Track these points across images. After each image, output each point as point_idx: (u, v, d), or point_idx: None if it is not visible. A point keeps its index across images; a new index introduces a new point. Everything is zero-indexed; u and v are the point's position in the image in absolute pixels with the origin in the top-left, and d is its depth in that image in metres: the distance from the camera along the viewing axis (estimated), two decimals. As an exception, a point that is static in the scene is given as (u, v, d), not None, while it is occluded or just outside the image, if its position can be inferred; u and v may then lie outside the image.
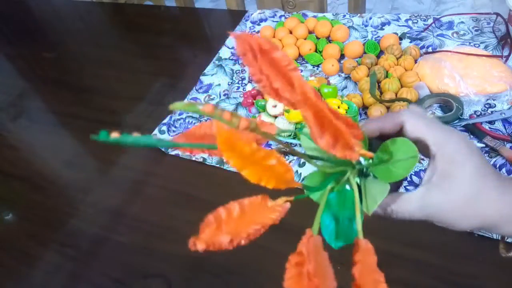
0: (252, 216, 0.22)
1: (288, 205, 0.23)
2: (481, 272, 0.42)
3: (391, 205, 0.25)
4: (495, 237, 0.43)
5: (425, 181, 0.24)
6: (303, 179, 0.53)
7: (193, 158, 0.60)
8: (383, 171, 0.24)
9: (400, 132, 0.25)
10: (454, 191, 0.23)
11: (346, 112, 0.56)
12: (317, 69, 0.69)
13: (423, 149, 0.24)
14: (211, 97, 0.69)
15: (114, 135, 0.18)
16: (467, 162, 0.23)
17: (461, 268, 0.42)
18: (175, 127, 0.65)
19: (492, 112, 0.55)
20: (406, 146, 0.23)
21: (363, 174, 0.26)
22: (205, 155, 0.60)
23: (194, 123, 0.65)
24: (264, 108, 0.61)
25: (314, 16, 0.77)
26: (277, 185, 0.21)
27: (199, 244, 0.20)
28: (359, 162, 0.25)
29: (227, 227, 0.20)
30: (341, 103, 0.56)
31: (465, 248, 0.44)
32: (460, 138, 0.24)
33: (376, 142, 0.26)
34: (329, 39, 0.73)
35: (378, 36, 0.71)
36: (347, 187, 0.25)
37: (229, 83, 0.71)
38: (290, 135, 0.57)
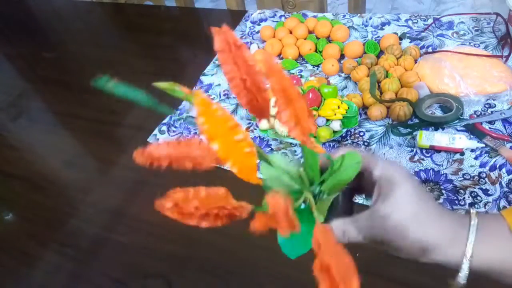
0: (217, 203, 0.23)
1: (249, 207, 0.25)
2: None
3: (343, 227, 0.27)
4: None
5: (371, 204, 0.27)
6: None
7: (193, 158, 0.60)
8: (333, 182, 0.28)
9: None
10: (395, 209, 0.25)
11: (346, 112, 0.56)
12: (317, 69, 0.69)
13: (370, 179, 0.27)
14: (211, 97, 0.69)
15: (110, 83, 0.20)
16: (404, 182, 0.26)
17: (461, 268, 0.42)
18: (175, 127, 0.65)
19: (492, 112, 0.55)
20: (352, 155, 0.27)
21: (317, 195, 0.29)
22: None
23: (194, 123, 0.65)
24: (264, 108, 0.61)
25: (314, 16, 0.77)
26: (241, 171, 0.23)
27: (167, 202, 0.21)
28: (313, 184, 0.28)
29: (193, 200, 0.22)
30: (341, 103, 0.56)
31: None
32: (400, 167, 0.27)
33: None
34: (329, 39, 0.73)
35: (378, 36, 0.71)
36: (302, 205, 0.28)
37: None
38: (289, 135, 0.57)
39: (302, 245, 0.26)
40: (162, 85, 0.20)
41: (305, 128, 0.22)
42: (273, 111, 0.65)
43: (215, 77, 0.72)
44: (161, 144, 0.22)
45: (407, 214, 0.25)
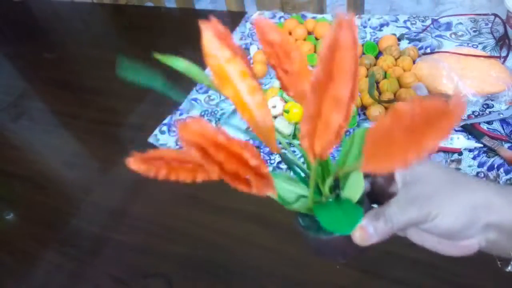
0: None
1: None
2: (481, 272, 0.42)
3: (381, 216, 0.24)
4: None
5: (399, 189, 0.25)
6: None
7: (194, 158, 0.60)
8: (347, 160, 0.25)
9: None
10: (430, 178, 0.24)
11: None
12: (317, 69, 0.69)
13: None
14: (211, 98, 0.70)
15: (130, 69, 0.19)
16: (428, 163, 0.24)
17: (461, 268, 0.43)
18: (176, 127, 0.66)
19: (490, 112, 0.55)
20: (361, 131, 0.25)
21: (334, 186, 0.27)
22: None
23: (194, 123, 0.66)
24: (264, 109, 0.61)
25: (313, 17, 0.78)
26: (258, 130, 0.20)
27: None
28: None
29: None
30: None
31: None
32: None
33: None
34: (328, 40, 0.73)
35: (377, 37, 0.71)
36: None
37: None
38: (289, 135, 0.57)
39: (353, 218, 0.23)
40: (163, 58, 0.20)
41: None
42: (272, 111, 0.65)
43: (215, 77, 0.73)
44: (160, 151, 0.21)
45: (446, 178, 0.23)
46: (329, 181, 0.24)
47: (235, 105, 0.20)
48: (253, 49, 0.75)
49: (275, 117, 0.60)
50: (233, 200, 0.54)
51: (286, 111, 0.57)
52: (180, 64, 0.21)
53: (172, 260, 0.50)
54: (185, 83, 0.74)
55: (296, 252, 0.47)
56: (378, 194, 0.28)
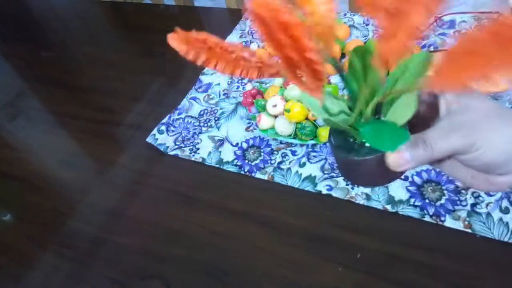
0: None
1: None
2: (481, 272, 0.42)
3: (420, 141, 0.23)
4: (496, 238, 0.43)
5: (443, 117, 0.23)
6: (304, 178, 0.53)
7: (192, 158, 0.60)
8: (399, 83, 0.23)
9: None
10: (476, 105, 0.22)
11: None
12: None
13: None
14: (211, 97, 0.69)
15: None
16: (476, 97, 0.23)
17: (461, 268, 0.42)
18: (174, 127, 0.65)
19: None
20: (418, 55, 0.23)
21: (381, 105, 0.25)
22: (205, 156, 0.59)
23: (194, 123, 0.65)
24: (264, 108, 0.60)
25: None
26: (318, 30, 0.18)
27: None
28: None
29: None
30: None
31: (465, 248, 0.43)
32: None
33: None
34: (329, 38, 0.72)
35: (379, 35, 0.70)
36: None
37: (229, 83, 0.70)
38: (290, 135, 0.57)
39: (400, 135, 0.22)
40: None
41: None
42: (272, 110, 0.65)
43: (214, 76, 0.72)
44: (203, 33, 0.19)
45: (495, 112, 0.22)
46: (375, 100, 0.23)
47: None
48: (253, 47, 0.74)
49: (275, 116, 0.59)
50: (232, 201, 0.53)
51: (287, 110, 0.56)
52: None
53: (170, 262, 0.49)
54: (185, 83, 0.73)
55: (296, 254, 0.47)
56: (418, 125, 0.26)
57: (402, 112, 0.23)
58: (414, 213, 0.47)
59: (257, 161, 0.56)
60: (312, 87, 0.18)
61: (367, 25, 0.73)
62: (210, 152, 0.60)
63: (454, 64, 0.16)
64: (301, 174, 0.54)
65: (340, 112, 0.25)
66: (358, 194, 0.49)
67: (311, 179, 0.53)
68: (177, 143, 0.62)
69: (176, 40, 0.18)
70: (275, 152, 0.57)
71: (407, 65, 0.23)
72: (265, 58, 0.19)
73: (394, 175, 0.26)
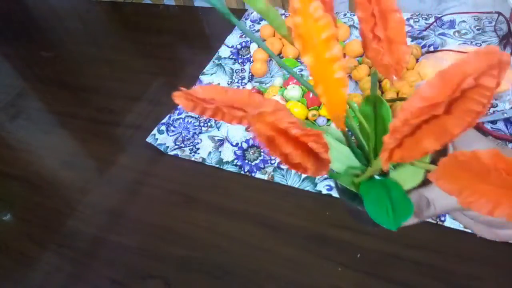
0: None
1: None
2: (481, 272, 0.42)
3: (423, 199, 0.23)
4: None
5: None
6: (304, 178, 0.53)
7: (192, 158, 0.60)
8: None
9: None
10: None
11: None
12: (318, 68, 0.68)
13: None
14: (211, 97, 0.69)
15: None
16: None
17: (461, 268, 0.42)
18: (174, 127, 0.65)
19: (493, 111, 0.54)
20: None
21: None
22: (205, 156, 0.59)
23: (194, 123, 0.65)
24: (264, 108, 0.60)
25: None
26: (330, 103, 0.18)
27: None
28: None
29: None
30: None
31: (465, 248, 0.43)
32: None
33: None
34: (329, 38, 0.72)
35: (379, 35, 0.70)
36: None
37: (229, 83, 0.70)
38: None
39: (403, 211, 0.21)
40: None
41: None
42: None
43: (214, 76, 0.72)
44: (206, 87, 0.19)
45: None
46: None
47: (311, 68, 0.17)
48: (253, 47, 0.74)
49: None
50: (232, 201, 0.53)
51: (287, 111, 0.56)
52: (259, 4, 0.19)
53: (170, 262, 0.49)
54: (185, 83, 0.73)
55: (296, 254, 0.47)
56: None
57: (411, 174, 0.23)
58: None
59: (257, 161, 0.57)
60: (319, 171, 0.18)
61: (367, 25, 0.73)
62: (210, 152, 0.60)
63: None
64: (301, 174, 0.54)
65: (347, 169, 0.25)
66: (358, 194, 0.49)
67: (311, 179, 0.53)
68: (177, 143, 0.62)
69: (181, 98, 0.18)
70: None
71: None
72: (275, 106, 0.19)
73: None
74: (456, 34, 0.67)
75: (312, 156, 0.18)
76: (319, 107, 0.59)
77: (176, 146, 0.62)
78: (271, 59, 0.72)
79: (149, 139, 0.63)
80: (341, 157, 0.25)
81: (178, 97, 0.18)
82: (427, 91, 0.14)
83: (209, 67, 0.74)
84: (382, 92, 0.59)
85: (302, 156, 0.17)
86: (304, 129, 0.16)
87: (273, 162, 0.56)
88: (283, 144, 0.16)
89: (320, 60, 0.17)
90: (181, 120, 0.66)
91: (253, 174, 0.55)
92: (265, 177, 0.54)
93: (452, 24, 0.68)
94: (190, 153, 0.60)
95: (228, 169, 0.57)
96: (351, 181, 0.24)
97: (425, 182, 0.25)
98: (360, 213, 0.26)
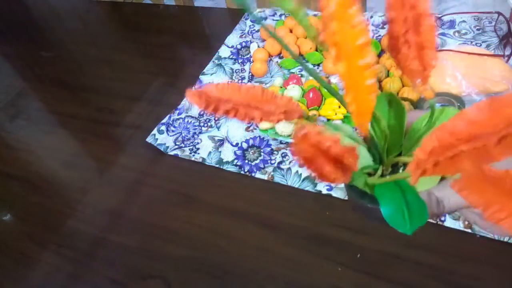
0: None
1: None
2: (481, 272, 0.42)
3: (432, 197, 0.23)
4: (496, 238, 0.43)
5: None
6: (304, 178, 0.53)
7: (192, 158, 0.60)
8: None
9: None
10: None
11: (347, 111, 0.56)
12: (318, 68, 0.68)
13: None
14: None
15: None
16: None
17: (461, 268, 0.42)
18: (174, 127, 0.65)
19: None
20: (450, 112, 0.23)
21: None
22: (205, 156, 0.59)
23: (193, 123, 0.65)
24: (264, 108, 0.60)
25: (315, 15, 0.77)
26: (358, 112, 0.18)
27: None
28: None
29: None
30: (342, 102, 0.56)
31: (465, 248, 0.43)
32: None
33: None
34: (329, 38, 0.72)
35: (379, 35, 0.70)
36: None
37: (229, 83, 0.70)
38: (290, 135, 0.57)
39: (417, 215, 0.21)
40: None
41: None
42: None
43: (214, 76, 0.72)
44: (219, 85, 0.19)
45: None
46: (395, 160, 0.23)
47: (342, 75, 0.17)
48: (253, 47, 0.74)
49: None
50: (232, 201, 0.53)
51: (287, 111, 0.56)
52: (288, 5, 0.19)
53: (171, 262, 0.49)
54: (185, 83, 0.73)
55: (296, 254, 0.47)
56: None
57: (427, 178, 0.22)
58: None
59: (257, 161, 0.57)
60: (343, 179, 0.18)
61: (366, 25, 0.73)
62: (210, 152, 0.60)
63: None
64: (301, 174, 0.54)
65: (360, 169, 0.24)
66: (358, 194, 0.49)
67: (311, 179, 0.53)
68: (177, 143, 0.62)
69: (194, 96, 0.18)
70: (275, 152, 0.57)
71: (435, 121, 0.23)
72: (288, 104, 0.19)
73: None
74: (456, 34, 0.67)
75: (340, 167, 0.18)
76: (319, 107, 0.59)
77: (176, 146, 0.62)
78: (271, 59, 0.72)
79: (149, 139, 0.64)
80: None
81: (190, 95, 0.18)
82: (475, 116, 0.14)
83: (209, 67, 0.74)
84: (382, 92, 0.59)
85: (335, 170, 0.18)
86: (343, 148, 0.17)
87: (273, 162, 0.56)
88: (323, 163, 0.17)
89: (353, 67, 0.16)
90: (181, 120, 0.66)
91: (253, 174, 0.55)
92: (265, 177, 0.54)
93: (452, 24, 0.68)
94: (190, 153, 0.60)
95: (228, 169, 0.57)
96: (364, 182, 0.24)
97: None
98: (369, 210, 0.26)
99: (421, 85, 0.20)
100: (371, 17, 0.73)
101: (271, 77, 0.69)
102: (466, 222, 0.45)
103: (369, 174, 0.24)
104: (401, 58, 0.19)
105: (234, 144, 0.60)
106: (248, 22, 0.81)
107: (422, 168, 0.17)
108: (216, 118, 0.65)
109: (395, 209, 0.21)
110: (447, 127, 0.15)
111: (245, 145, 0.59)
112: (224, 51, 0.76)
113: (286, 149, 0.57)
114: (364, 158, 0.25)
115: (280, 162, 0.56)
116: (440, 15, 0.70)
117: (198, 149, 0.61)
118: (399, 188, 0.22)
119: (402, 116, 0.24)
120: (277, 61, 0.71)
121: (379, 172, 0.24)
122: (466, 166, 0.15)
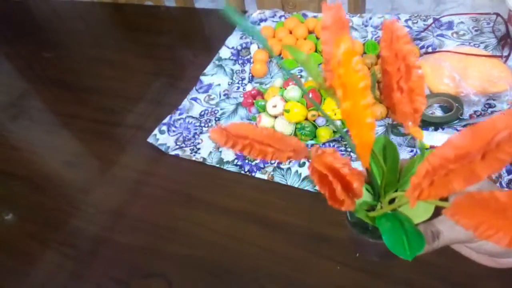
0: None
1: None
2: (481, 272, 0.42)
3: (428, 233, 0.25)
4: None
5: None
6: (304, 178, 0.54)
7: (193, 158, 0.60)
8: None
9: None
10: None
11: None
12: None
13: None
14: (211, 97, 0.69)
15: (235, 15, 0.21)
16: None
17: (461, 268, 0.42)
18: (175, 127, 0.65)
19: (492, 112, 0.55)
20: None
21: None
22: (205, 156, 0.60)
23: (194, 123, 0.65)
24: (264, 108, 0.61)
25: (314, 16, 0.77)
26: (360, 145, 0.21)
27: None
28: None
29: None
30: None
31: (465, 248, 0.44)
32: None
33: None
34: (329, 39, 0.73)
35: (378, 36, 0.71)
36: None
37: (229, 83, 0.71)
38: (290, 135, 0.57)
39: (416, 243, 0.23)
40: (289, 48, 0.21)
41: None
42: (272, 111, 0.65)
43: (215, 77, 0.72)
44: (238, 124, 0.22)
45: None
46: (392, 195, 0.25)
47: (345, 113, 0.20)
48: (253, 48, 0.75)
49: (275, 117, 0.60)
50: (232, 201, 0.54)
51: (287, 111, 0.57)
52: (301, 57, 0.22)
53: (172, 260, 0.50)
54: (185, 83, 0.74)
55: (295, 253, 0.47)
56: None
57: (422, 210, 0.26)
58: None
59: (257, 161, 0.57)
60: (350, 205, 0.21)
61: (366, 26, 0.74)
62: (210, 152, 0.60)
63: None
64: (301, 173, 0.54)
65: (362, 203, 0.27)
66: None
67: (311, 178, 0.53)
68: (178, 143, 0.63)
69: (216, 133, 0.21)
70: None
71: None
72: (296, 144, 0.22)
73: None
74: (454, 35, 0.67)
75: (348, 192, 0.20)
76: (318, 107, 0.59)
77: (177, 146, 0.62)
78: (271, 60, 0.72)
79: (150, 139, 0.64)
80: None
81: (214, 132, 0.21)
82: (459, 141, 0.17)
83: (209, 68, 0.74)
84: (381, 93, 0.60)
85: (344, 192, 0.20)
86: (352, 169, 0.20)
87: (273, 162, 0.57)
88: (334, 181, 0.19)
89: (356, 106, 0.19)
90: (182, 120, 0.66)
91: (253, 174, 0.56)
92: (265, 177, 0.55)
93: (450, 25, 0.69)
94: (191, 153, 0.61)
95: (228, 169, 0.57)
96: (365, 215, 0.26)
97: (431, 217, 0.27)
98: (369, 245, 0.29)
99: (412, 127, 0.22)
100: (370, 18, 0.74)
101: (271, 77, 0.70)
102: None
103: (368, 211, 0.27)
104: (394, 103, 0.22)
105: (234, 144, 0.60)
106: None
107: (419, 190, 0.19)
108: (217, 119, 0.65)
109: (396, 238, 0.23)
110: (437, 153, 0.17)
111: (245, 145, 0.60)
112: (224, 52, 0.76)
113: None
114: (364, 196, 0.27)
115: (280, 162, 0.56)
116: (438, 16, 0.70)
117: (199, 149, 0.61)
118: (397, 220, 0.24)
119: (395, 158, 0.27)
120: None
121: (379, 206, 0.26)
122: (456, 186, 0.17)
